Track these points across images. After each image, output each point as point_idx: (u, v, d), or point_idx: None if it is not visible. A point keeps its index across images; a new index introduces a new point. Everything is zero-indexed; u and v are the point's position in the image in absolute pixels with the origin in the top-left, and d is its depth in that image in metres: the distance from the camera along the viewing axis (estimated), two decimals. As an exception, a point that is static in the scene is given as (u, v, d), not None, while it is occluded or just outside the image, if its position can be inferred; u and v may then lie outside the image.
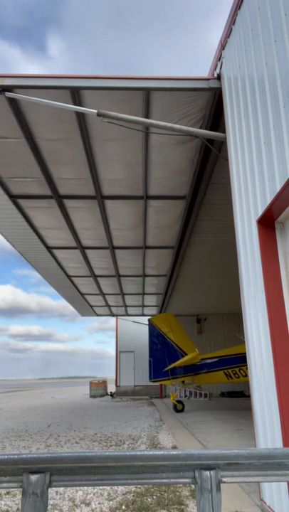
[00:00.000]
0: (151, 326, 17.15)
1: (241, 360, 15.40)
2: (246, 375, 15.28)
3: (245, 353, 15.55)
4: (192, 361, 15.63)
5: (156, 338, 16.71)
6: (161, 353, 16.17)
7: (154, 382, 16.41)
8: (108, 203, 9.46)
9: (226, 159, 5.69)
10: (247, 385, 15.52)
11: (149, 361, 16.38)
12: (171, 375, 15.61)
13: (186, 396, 22.78)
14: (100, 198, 9.06)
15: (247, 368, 15.67)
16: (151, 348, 16.72)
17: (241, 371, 15.27)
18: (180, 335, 16.86)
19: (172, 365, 15.53)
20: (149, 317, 17.84)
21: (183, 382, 16.19)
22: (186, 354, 16.18)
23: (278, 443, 3.80)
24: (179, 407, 14.92)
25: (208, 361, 15.99)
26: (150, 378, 16.28)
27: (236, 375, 15.34)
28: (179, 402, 15.12)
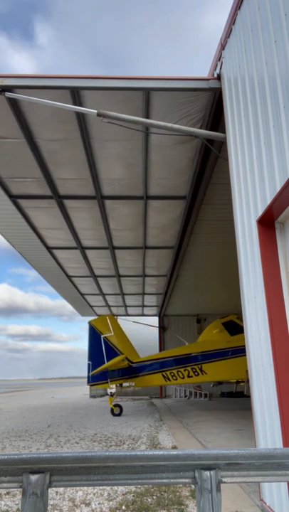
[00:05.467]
0: (92, 328, 16.73)
1: (179, 362, 15.43)
2: (184, 377, 15.30)
3: (182, 355, 15.51)
4: (119, 365, 15.48)
5: (97, 341, 16.35)
6: (101, 357, 15.86)
7: (92, 386, 16.06)
8: (108, 203, 9.46)
9: (226, 159, 5.68)
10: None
11: (88, 364, 15.96)
12: (109, 378, 15.41)
13: (186, 396, 22.78)
14: (99, 198, 9.06)
15: (184, 370, 15.33)
16: (90, 351, 16.31)
17: (179, 373, 15.30)
18: (121, 338, 16.63)
19: (97, 370, 15.30)
20: (89, 319, 17.41)
21: (121, 385, 16.00)
22: (127, 358, 16.05)
23: (278, 443, 3.80)
24: (116, 411, 14.82)
25: (147, 364, 15.90)
26: (88, 382, 15.92)
27: (174, 377, 15.35)
28: (116, 406, 15.01)
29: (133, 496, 5.16)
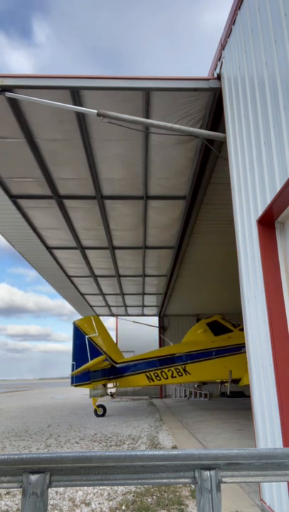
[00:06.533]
0: (76, 328, 16.56)
1: (163, 362, 15.42)
2: (168, 378, 15.29)
3: (166, 356, 15.58)
4: (100, 365, 15.40)
5: (81, 342, 16.19)
6: (86, 357, 15.70)
7: (76, 386, 15.92)
8: (108, 203, 9.46)
9: (226, 159, 5.69)
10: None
11: (72, 365, 15.82)
12: (92, 378, 15.34)
13: (186, 396, 22.78)
14: (99, 198, 9.06)
15: (168, 371, 15.24)
16: (75, 352, 16.10)
17: (163, 373, 15.30)
18: (106, 339, 16.53)
19: (78, 370, 15.20)
20: (74, 320, 17.27)
21: (105, 385, 15.93)
22: (112, 358, 16.03)
23: (278, 443, 3.80)
24: (99, 412, 14.74)
25: (130, 364, 15.86)
26: (72, 383, 15.75)
27: (158, 378, 15.34)
28: (99, 406, 14.91)
29: (133, 495, 5.16)
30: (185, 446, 8.34)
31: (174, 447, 8.23)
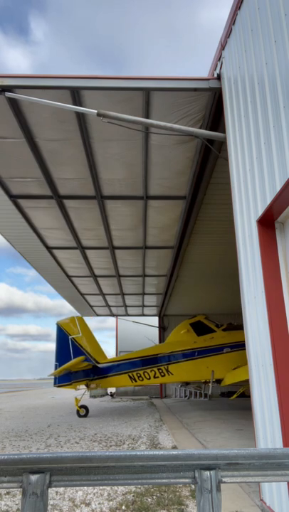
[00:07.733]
0: (59, 329, 16.45)
1: (146, 362, 15.44)
2: (150, 378, 15.30)
3: (149, 356, 15.56)
4: (79, 366, 15.31)
5: (64, 342, 16.11)
6: (68, 358, 15.59)
7: (59, 387, 15.73)
8: (108, 203, 9.46)
9: (226, 159, 5.69)
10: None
11: (55, 366, 15.70)
12: (73, 379, 15.24)
13: (186, 396, 22.78)
14: (100, 198, 9.06)
15: (151, 371, 15.25)
16: (58, 353, 15.99)
17: (145, 374, 15.32)
18: (89, 339, 16.51)
19: (57, 370, 15.08)
20: (57, 320, 17.21)
21: (87, 386, 15.82)
22: (95, 359, 16.01)
23: (278, 443, 3.80)
24: (81, 412, 14.62)
25: (113, 364, 15.86)
26: (55, 383, 15.57)
27: (140, 378, 15.34)
28: (81, 407, 14.77)
29: (133, 495, 5.16)
30: (185, 446, 8.33)
31: (174, 447, 8.23)
